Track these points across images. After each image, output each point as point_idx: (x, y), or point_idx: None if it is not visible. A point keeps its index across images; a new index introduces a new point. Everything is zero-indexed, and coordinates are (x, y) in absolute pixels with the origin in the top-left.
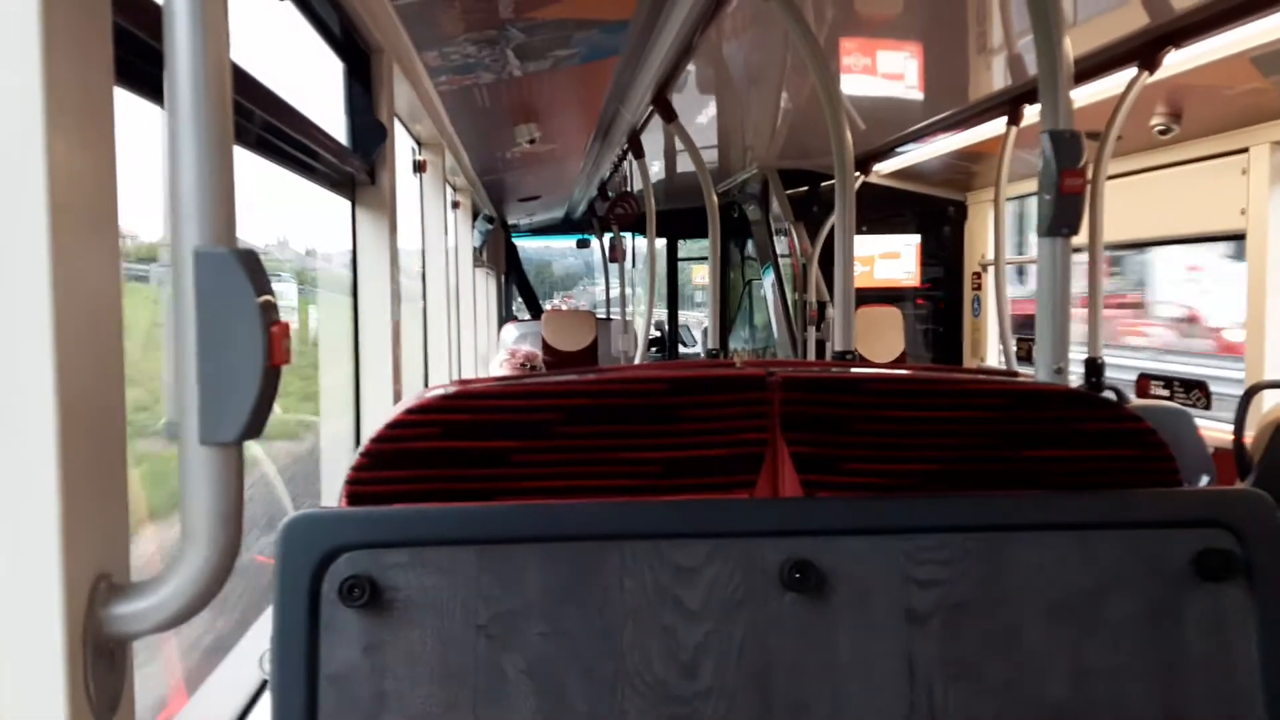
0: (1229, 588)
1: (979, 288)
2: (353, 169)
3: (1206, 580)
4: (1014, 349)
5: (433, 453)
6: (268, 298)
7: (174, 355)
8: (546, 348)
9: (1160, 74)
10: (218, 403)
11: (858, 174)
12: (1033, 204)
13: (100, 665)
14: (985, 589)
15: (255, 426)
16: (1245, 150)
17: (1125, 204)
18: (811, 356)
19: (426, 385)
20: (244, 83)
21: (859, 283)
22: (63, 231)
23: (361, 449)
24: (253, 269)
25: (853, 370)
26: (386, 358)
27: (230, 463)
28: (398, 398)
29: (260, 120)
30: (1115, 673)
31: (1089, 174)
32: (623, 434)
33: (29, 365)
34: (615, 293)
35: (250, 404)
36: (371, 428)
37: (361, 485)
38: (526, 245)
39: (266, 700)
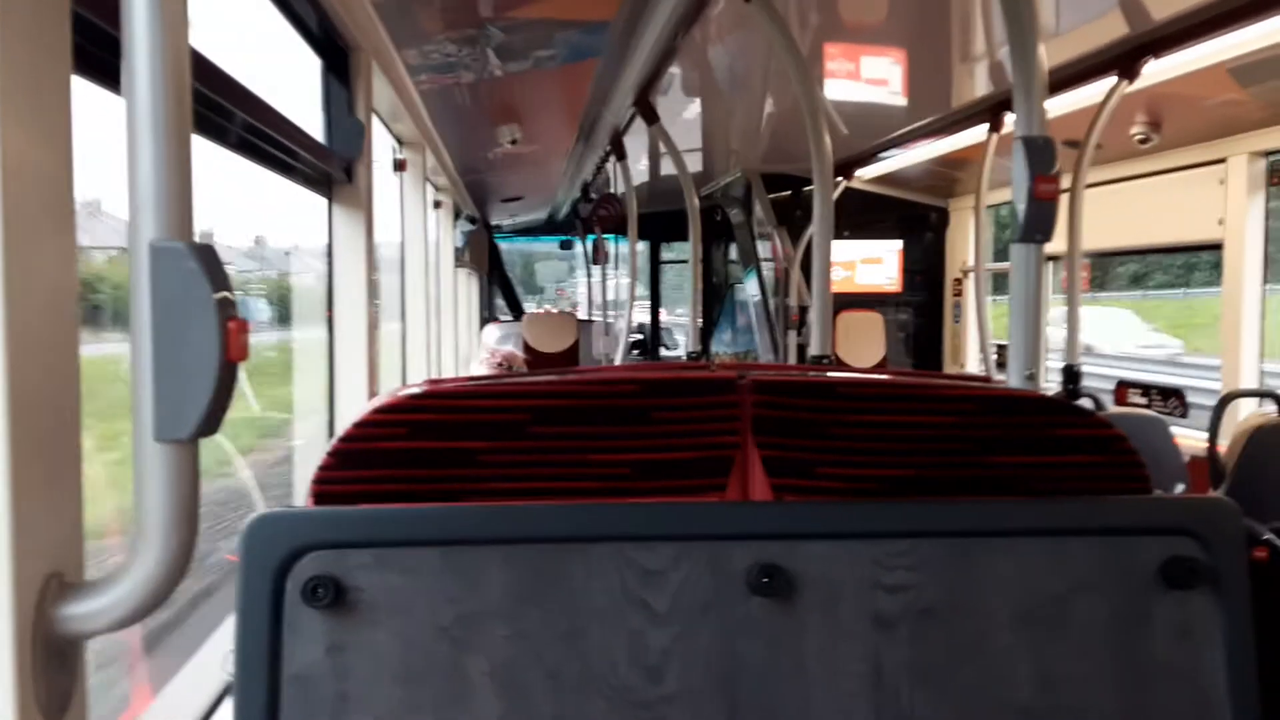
0: (1195, 595)
1: (960, 294)
2: (330, 167)
3: (1173, 588)
4: (994, 355)
5: (401, 453)
6: (225, 294)
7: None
8: (528, 349)
9: (1140, 83)
10: (173, 399)
11: (840, 179)
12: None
13: (51, 665)
14: (954, 594)
15: (211, 423)
16: (1223, 160)
17: (1105, 212)
18: (793, 360)
19: (404, 385)
20: (217, 78)
21: (841, 288)
22: (16, 224)
23: (329, 448)
24: (210, 264)
25: (825, 374)
26: (362, 356)
27: (186, 460)
28: (373, 396)
29: (236, 118)
30: (1082, 679)
31: (1068, 182)
32: (593, 435)
33: None
34: (597, 294)
35: (206, 400)
36: (344, 427)
37: (328, 485)
38: (514, 238)
39: (230, 703)
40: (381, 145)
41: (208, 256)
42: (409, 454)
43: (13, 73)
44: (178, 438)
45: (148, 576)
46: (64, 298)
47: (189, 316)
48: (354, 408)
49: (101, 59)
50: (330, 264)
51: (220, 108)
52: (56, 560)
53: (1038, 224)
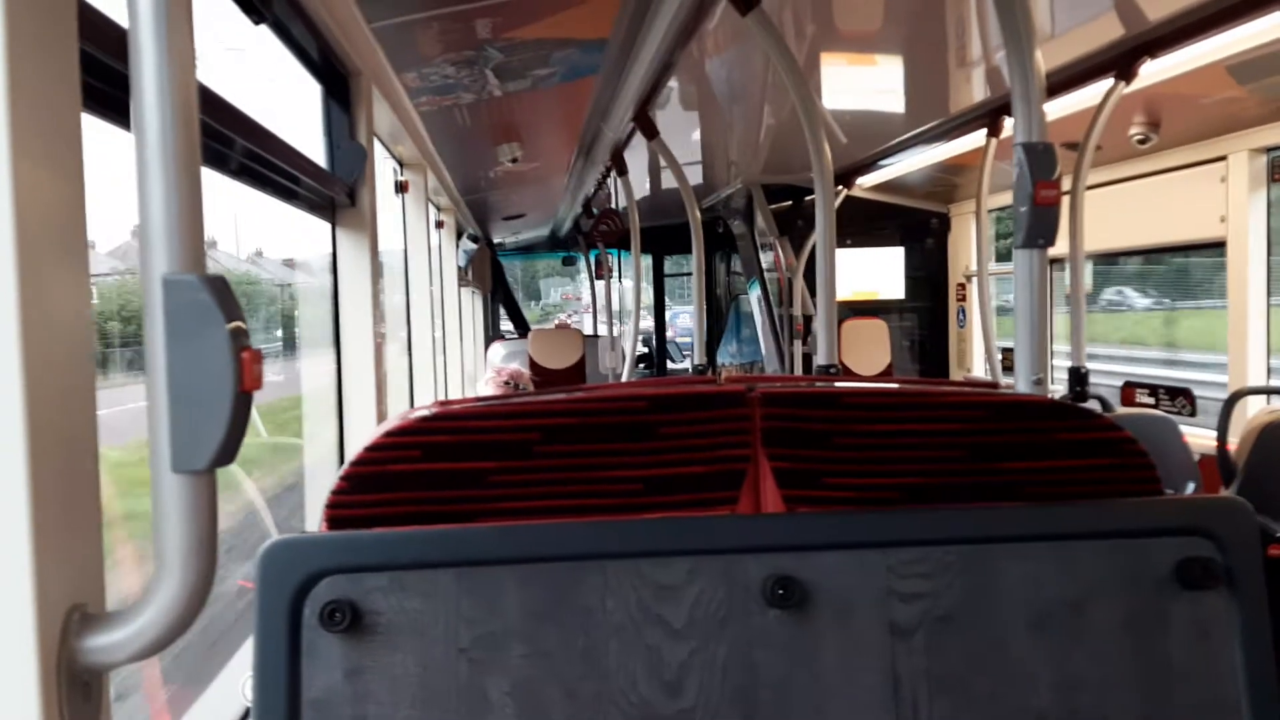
0: (1210, 596)
1: (963, 299)
2: (333, 191)
3: (1188, 589)
4: (999, 360)
5: (413, 475)
6: (238, 324)
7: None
8: (534, 366)
9: (1137, 84)
10: (189, 430)
11: (841, 188)
12: None
13: (75, 696)
14: (969, 601)
15: (227, 453)
16: (1223, 158)
17: (1106, 213)
18: (798, 370)
19: (412, 406)
20: (220, 109)
21: (844, 296)
22: (31, 259)
23: (341, 472)
24: (222, 295)
25: (833, 385)
26: (369, 379)
27: (203, 490)
28: (381, 419)
29: (239, 146)
30: (1099, 683)
31: (1068, 184)
32: (603, 453)
33: None
34: (601, 310)
35: (222, 431)
36: (354, 450)
37: (341, 509)
38: (517, 256)
39: None
40: (383, 168)
41: (219, 288)
42: (421, 476)
43: (24, 110)
44: (194, 468)
45: (169, 606)
46: (80, 331)
47: (203, 348)
48: (362, 431)
49: (110, 95)
50: (335, 287)
51: (222, 136)
52: (78, 592)
53: (1040, 229)
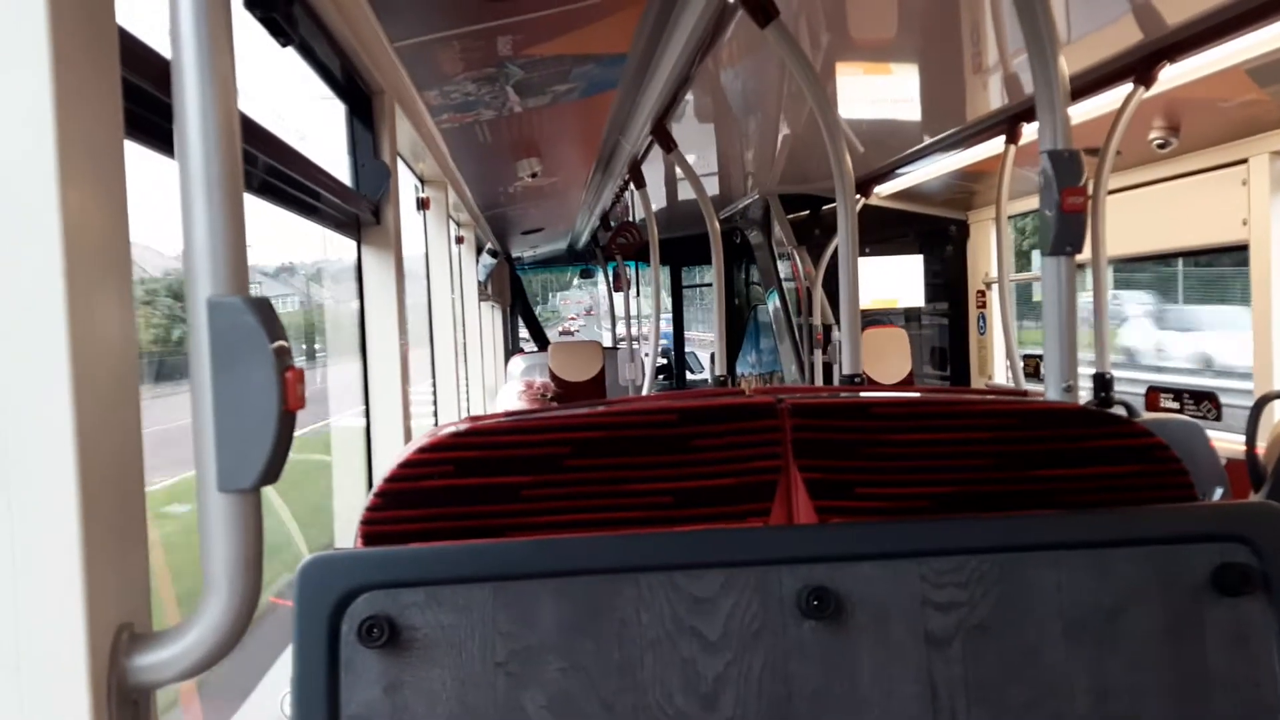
0: (1248, 602)
1: (984, 306)
2: (358, 209)
3: (1225, 595)
4: (1021, 367)
5: (446, 491)
6: (281, 343)
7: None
8: (554, 379)
9: (1156, 89)
10: (235, 449)
11: (858, 197)
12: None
13: (125, 714)
14: (1004, 610)
15: (272, 472)
16: (1244, 161)
17: (1127, 218)
18: (819, 379)
19: (437, 421)
20: (248, 129)
21: (863, 304)
22: (78, 284)
23: (375, 489)
24: (266, 316)
25: (862, 395)
26: (396, 396)
27: (249, 509)
28: (408, 436)
29: (265, 165)
30: (1137, 690)
31: (1089, 190)
32: (634, 466)
33: (48, 418)
34: (621, 322)
35: (267, 450)
36: (383, 467)
37: (376, 525)
38: (535, 269)
39: None
40: (404, 185)
41: (263, 309)
42: (454, 491)
43: (68, 139)
44: (240, 487)
45: (215, 625)
46: (125, 351)
47: (247, 368)
48: (390, 448)
49: (151, 123)
50: (361, 305)
51: (250, 155)
52: (126, 612)
53: (1068, 236)
